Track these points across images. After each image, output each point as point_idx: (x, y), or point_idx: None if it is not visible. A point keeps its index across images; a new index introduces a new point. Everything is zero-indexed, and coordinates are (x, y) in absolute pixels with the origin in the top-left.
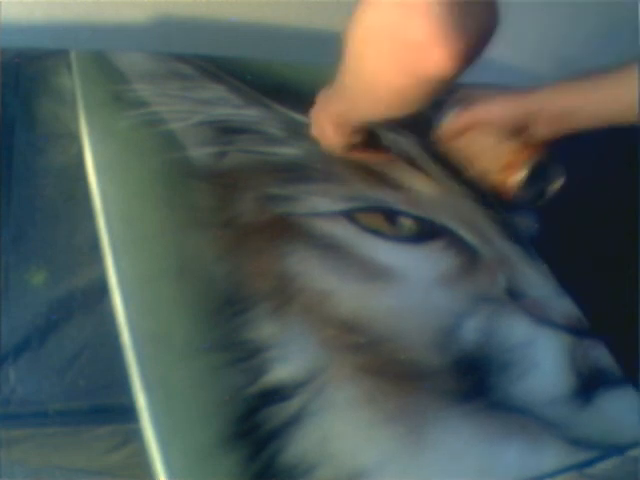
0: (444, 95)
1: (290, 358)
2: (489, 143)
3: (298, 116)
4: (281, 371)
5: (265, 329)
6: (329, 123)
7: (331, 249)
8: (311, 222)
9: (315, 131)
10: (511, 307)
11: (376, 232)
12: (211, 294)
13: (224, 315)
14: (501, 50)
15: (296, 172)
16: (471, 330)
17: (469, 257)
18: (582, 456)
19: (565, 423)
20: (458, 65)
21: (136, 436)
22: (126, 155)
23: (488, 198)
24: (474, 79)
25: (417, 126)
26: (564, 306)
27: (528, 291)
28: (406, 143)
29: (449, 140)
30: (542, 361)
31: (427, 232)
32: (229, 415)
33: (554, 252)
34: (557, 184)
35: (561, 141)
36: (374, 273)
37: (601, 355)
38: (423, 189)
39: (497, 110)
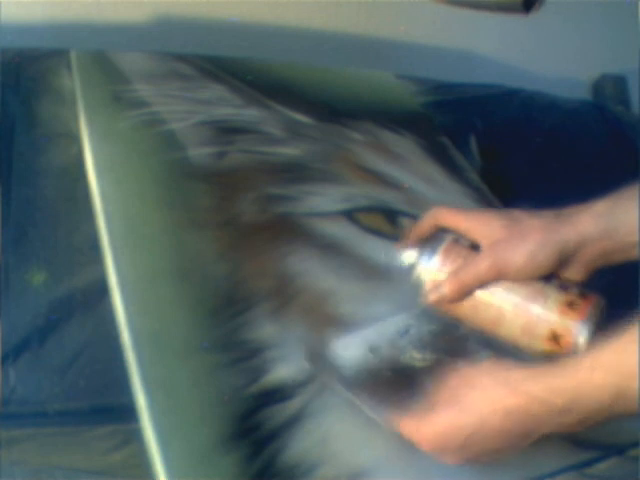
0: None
1: (290, 358)
2: (513, 299)
3: (298, 116)
4: (281, 371)
5: (265, 329)
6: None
7: (331, 249)
8: (311, 222)
9: None
10: None
11: (376, 232)
12: (211, 294)
13: (224, 315)
14: (501, 50)
15: (296, 172)
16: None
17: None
18: (582, 456)
19: None
20: None
21: (136, 436)
22: (126, 155)
23: (489, 198)
24: (475, 80)
25: (417, 126)
26: None
27: None
28: (406, 143)
29: (447, 307)
30: None
31: None
32: (229, 415)
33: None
34: None
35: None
36: (374, 273)
37: None
38: (423, 189)
39: (521, 257)
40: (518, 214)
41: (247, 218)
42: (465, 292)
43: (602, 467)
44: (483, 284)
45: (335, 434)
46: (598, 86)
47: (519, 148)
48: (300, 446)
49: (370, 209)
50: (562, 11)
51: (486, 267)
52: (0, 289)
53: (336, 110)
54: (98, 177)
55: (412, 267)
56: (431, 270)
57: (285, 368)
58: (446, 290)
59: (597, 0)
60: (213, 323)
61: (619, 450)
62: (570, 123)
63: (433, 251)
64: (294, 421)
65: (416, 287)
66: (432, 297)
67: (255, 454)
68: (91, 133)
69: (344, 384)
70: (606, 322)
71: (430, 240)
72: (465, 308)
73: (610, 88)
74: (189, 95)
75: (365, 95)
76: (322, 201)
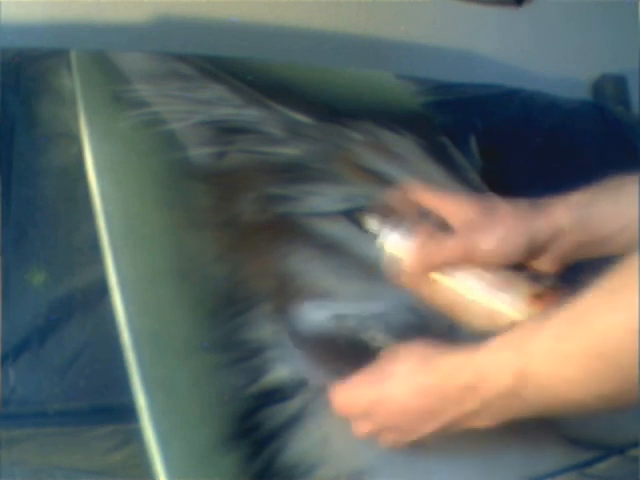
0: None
1: (290, 358)
2: (481, 287)
3: (298, 116)
4: (281, 371)
5: (265, 329)
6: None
7: (331, 249)
8: (311, 222)
9: None
10: None
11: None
12: (211, 294)
13: (224, 315)
14: (501, 50)
15: (296, 172)
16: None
17: None
18: (582, 456)
19: (565, 423)
20: None
21: (136, 436)
22: (126, 155)
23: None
24: (475, 80)
25: (417, 126)
26: None
27: None
28: (406, 143)
29: (416, 284)
30: None
31: None
32: (229, 415)
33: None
34: None
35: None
36: (374, 273)
37: None
38: None
39: (492, 243)
40: (493, 200)
41: (247, 218)
42: (429, 267)
43: (602, 467)
44: (449, 263)
45: (335, 434)
46: (598, 86)
47: (519, 148)
48: (300, 446)
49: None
50: (562, 11)
51: (454, 246)
52: (0, 289)
53: (336, 110)
54: (98, 177)
55: (376, 236)
56: (394, 242)
57: (285, 368)
58: (411, 262)
59: (597, 0)
60: (213, 323)
61: (619, 450)
62: (570, 123)
63: (399, 223)
64: (294, 421)
65: (379, 256)
66: (395, 267)
67: (255, 454)
68: (91, 133)
69: (294, 339)
70: None
71: (399, 213)
72: (432, 290)
73: (610, 88)
74: (189, 95)
75: (365, 95)
76: (322, 201)
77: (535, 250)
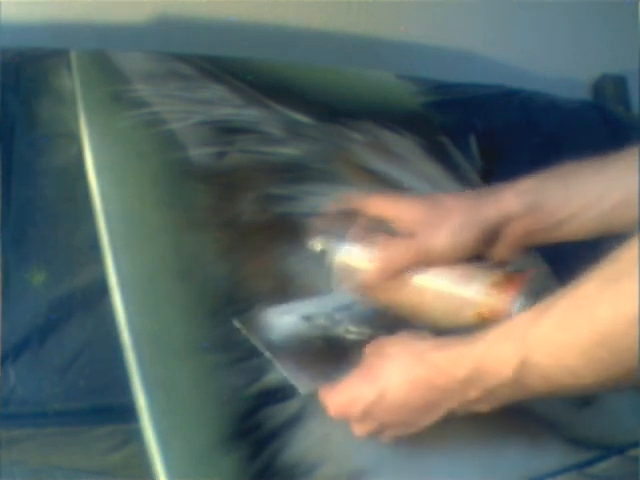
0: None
1: None
2: (440, 284)
3: (298, 116)
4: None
5: None
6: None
7: None
8: (311, 222)
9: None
10: None
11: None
12: (211, 294)
13: (224, 315)
14: (501, 50)
15: (296, 172)
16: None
17: None
18: (582, 456)
19: (565, 423)
20: None
21: (136, 436)
22: (126, 155)
23: None
24: (475, 80)
25: (417, 126)
26: None
27: None
28: (406, 143)
29: (377, 293)
30: None
31: None
32: (229, 415)
33: (555, 251)
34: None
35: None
36: None
37: None
38: (423, 189)
39: (443, 239)
40: (440, 197)
41: (247, 218)
42: (387, 277)
43: (602, 467)
44: (406, 268)
45: (336, 433)
46: (598, 86)
47: (519, 148)
48: (300, 445)
49: None
50: (562, 11)
51: (407, 251)
52: (0, 289)
53: (336, 110)
54: (98, 177)
55: (325, 254)
56: (348, 254)
57: None
58: (375, 269)
59: (597, 0)
60: (213, 323)
61: (619, 450)
62: (570, 123)
63: (350, 236)
64: (294, 420)
65: (330, 273)
66: (353, 282)
67: (255, 454)
68: (91, 133)
69: (269, 348)
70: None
71: (344, 227)
72: (394, 295)
73: (610, 88)
74: (189, 95)
75: (365, 95)
76: (322, 201)
77: (488, 238)
